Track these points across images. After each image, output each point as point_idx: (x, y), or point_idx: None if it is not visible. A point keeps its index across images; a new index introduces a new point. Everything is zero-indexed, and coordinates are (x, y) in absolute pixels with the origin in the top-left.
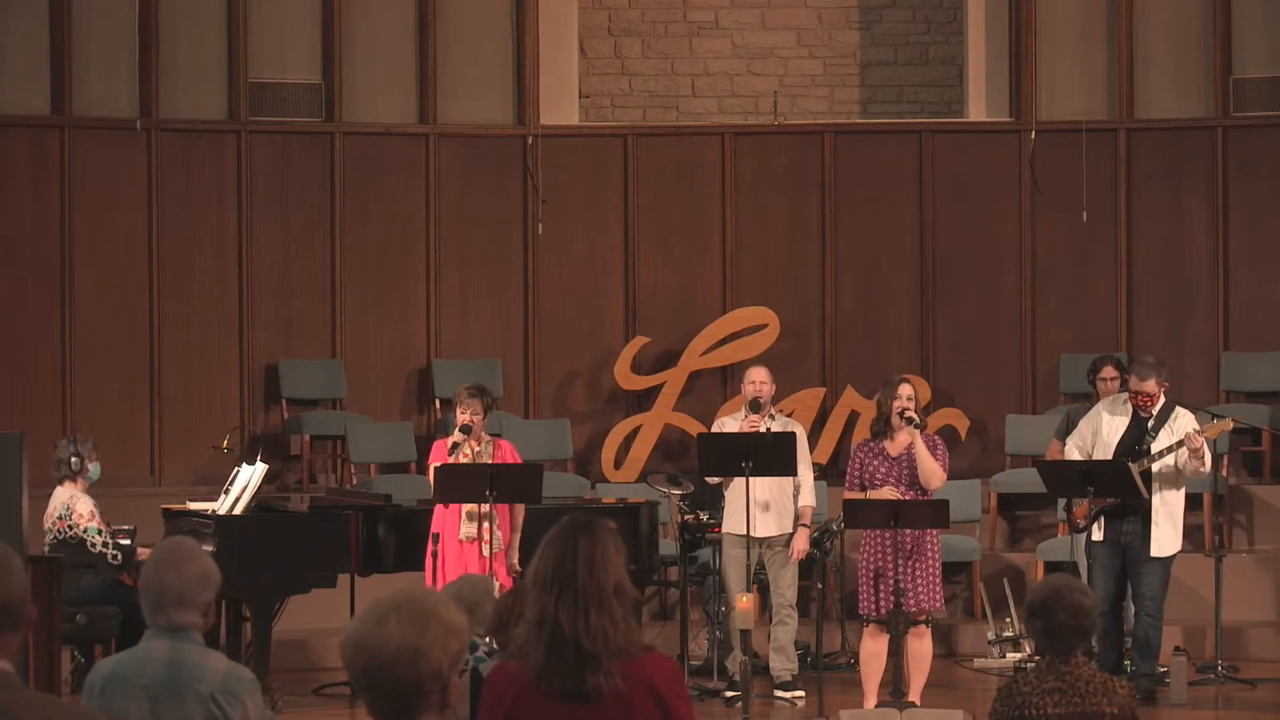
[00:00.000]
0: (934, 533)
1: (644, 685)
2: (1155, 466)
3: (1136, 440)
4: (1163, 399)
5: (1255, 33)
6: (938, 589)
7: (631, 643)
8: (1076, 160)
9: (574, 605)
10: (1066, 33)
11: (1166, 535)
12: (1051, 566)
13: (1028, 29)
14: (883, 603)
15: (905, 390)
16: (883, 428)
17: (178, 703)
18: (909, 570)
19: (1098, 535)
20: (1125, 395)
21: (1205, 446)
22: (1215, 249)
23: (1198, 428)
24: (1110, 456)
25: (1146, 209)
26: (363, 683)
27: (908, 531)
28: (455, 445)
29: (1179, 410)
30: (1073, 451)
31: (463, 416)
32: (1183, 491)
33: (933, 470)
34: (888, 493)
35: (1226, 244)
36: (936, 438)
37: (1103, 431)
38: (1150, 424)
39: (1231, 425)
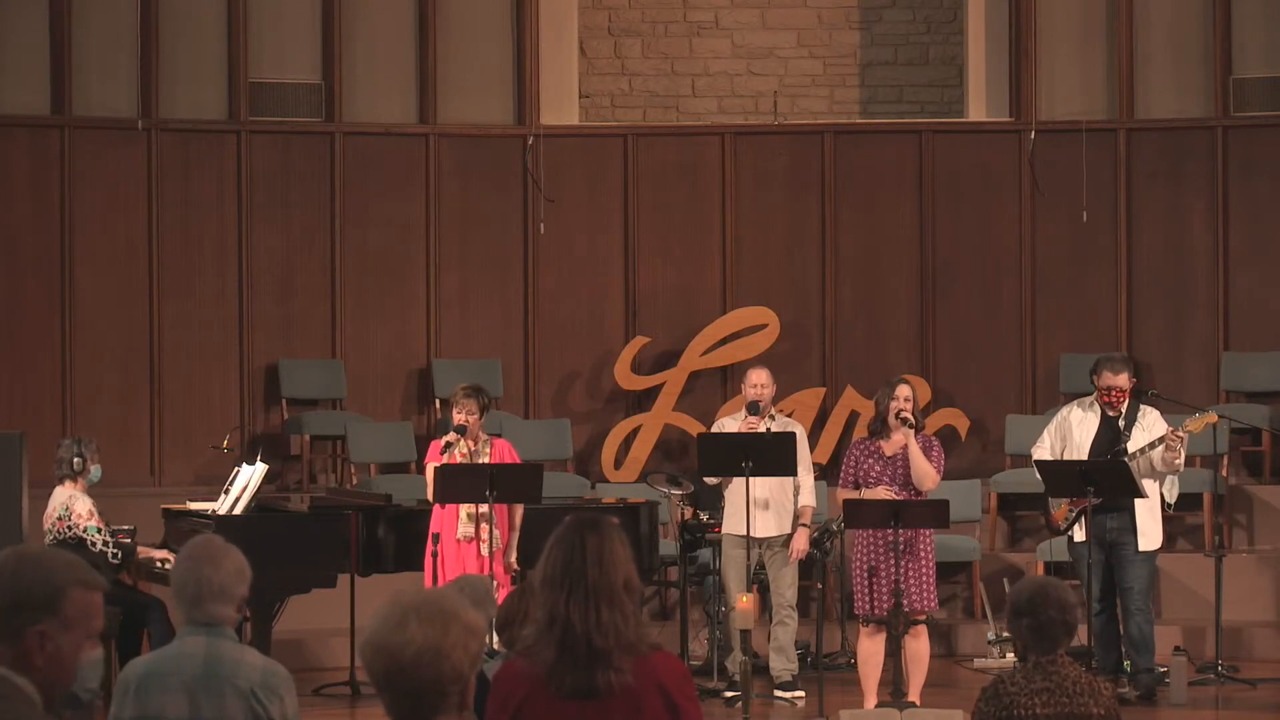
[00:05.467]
0: (928, 533)
1: (654, 684)
2: (1133, 465)
3: (1111, 440)
4: (1128, 397)
5: (1255, 33)
6: (932, 589)
7: (640, 639)
8: (1076, 160)
9: (584, 603)
10: (1066, 33)
11: (1151, 529)
12: (1051, 566)
13: (1028, 29)
14: (877, 602)
15: (903, 391)
16: (880, 427)
17: (217, 698)
18: (904, 571)
19: (1080, 535)
20: (1090, 398)
21: (1184, 443)
22: (1215, 249)
23: (1166, 426)
24: (1085, 458)
25: (1146, 209)
26: (383, 684)
27: (903, 531)
28: (449, 445)
29: (1144, 407)
30: (1043, 458)
31: (458, 416)
32: (1158, 486)
33: (925, 471)
34: (882, 492)
35: (1226, 244)
36: (933, 439)
37: (1074, 434)
38: (1121, 423)
39: (1215, 418)
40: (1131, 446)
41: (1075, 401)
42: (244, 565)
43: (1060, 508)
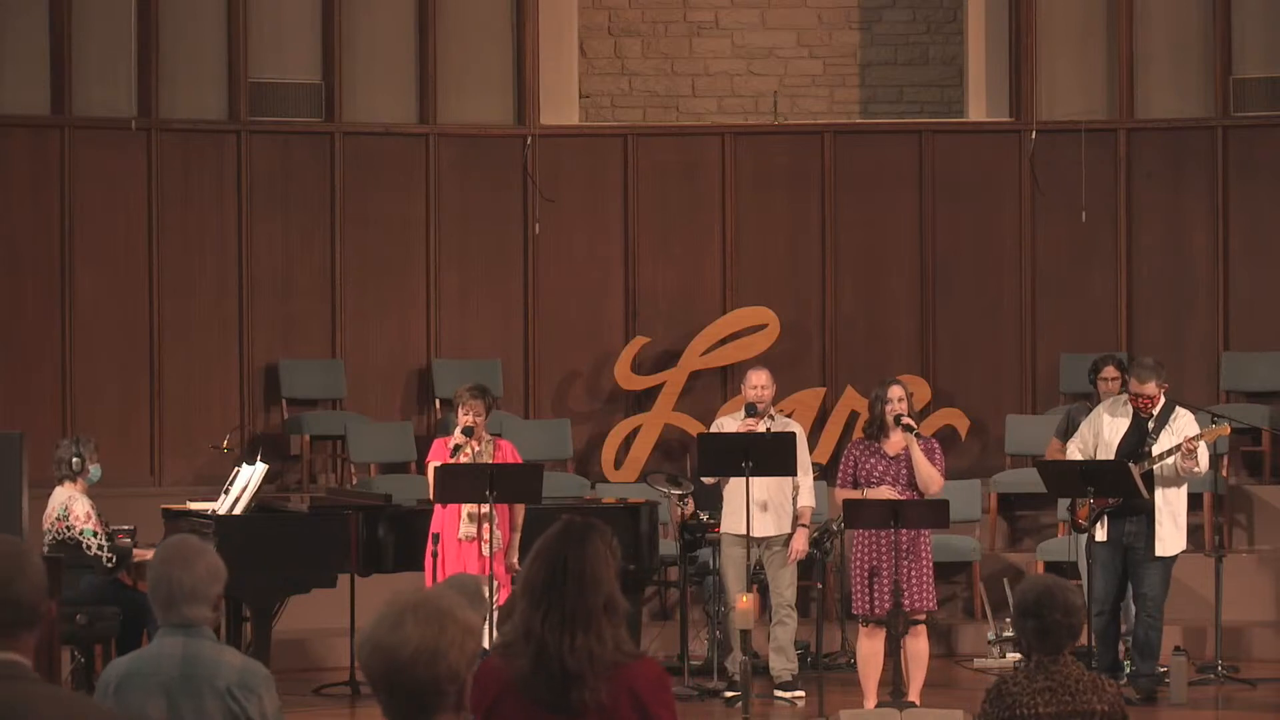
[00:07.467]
0: (927, 533)
1: (626, 692)
2: (1156, 467)
3: (1138, 442)
4: (1162, 400)
5: (1255, 33)
6: (932, 588)
7: (619, 658)
8: (1076, 160)
9: (559, 626)
10: (1066, 33)
11: (1170, 535)
12: (1051, 566)
13: (1028, 29)
14: (877, 602)
15: (895, 392)
16: (876, 431)
17: (195, 699)
18: (904, 570)
19: (1100, 535)
20: (1125, 396)
21: (1201, 450)
22: (1215, 249)
23: (1198, 430)
24: (1112, 458)
25: (1146, 209)
26: (380, 684)
27: (903, 531)
28: (457, 447)
29: (1179, 410)
30: (1074, 454)
31: (465, 418)
32: (1184, 490)
33: (931, 477)
34: (885, 492)
35: (1226, 244)
36: (933, 441)
37: (1104, 433)
38: (1151, 425)
39: (1229, 430)
40: (1156, 450)
41: (1113, 398)
42: (217, 566)
43: (1085, 506)
